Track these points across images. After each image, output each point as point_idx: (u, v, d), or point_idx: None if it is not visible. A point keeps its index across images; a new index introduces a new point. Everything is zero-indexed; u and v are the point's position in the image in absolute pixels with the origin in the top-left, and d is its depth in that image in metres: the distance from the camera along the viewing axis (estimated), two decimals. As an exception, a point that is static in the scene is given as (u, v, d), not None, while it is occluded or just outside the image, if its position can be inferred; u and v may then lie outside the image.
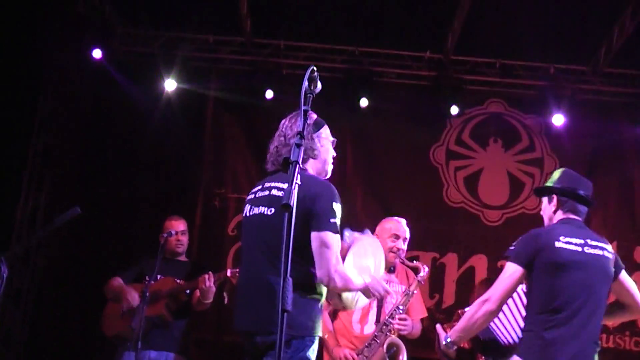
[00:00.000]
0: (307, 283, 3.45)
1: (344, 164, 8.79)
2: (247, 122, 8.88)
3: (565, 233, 4.13)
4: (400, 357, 4.97)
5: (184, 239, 6.03)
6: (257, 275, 3.54)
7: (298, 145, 2.84)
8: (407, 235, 5.22)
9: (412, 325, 5.15)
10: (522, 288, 4.23)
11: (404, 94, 8.86)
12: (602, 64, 8.61)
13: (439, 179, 8.88)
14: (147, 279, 5.53)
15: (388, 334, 5.05)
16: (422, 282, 5.08)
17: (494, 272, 8.52)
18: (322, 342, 5.01)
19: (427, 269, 5.05)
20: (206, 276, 5.49)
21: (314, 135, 3.82)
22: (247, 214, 3.77)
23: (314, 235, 3.44)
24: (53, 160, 8.26)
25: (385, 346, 4.93)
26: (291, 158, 2.81)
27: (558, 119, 8.63)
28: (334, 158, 3.96)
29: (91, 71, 8.32)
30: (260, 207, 3.70)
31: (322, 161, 3.88)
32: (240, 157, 8.81)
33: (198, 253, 8.04)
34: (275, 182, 3.73)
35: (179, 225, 5.98)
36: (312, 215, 3.45)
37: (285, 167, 2.81)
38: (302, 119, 2.92)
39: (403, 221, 5.33)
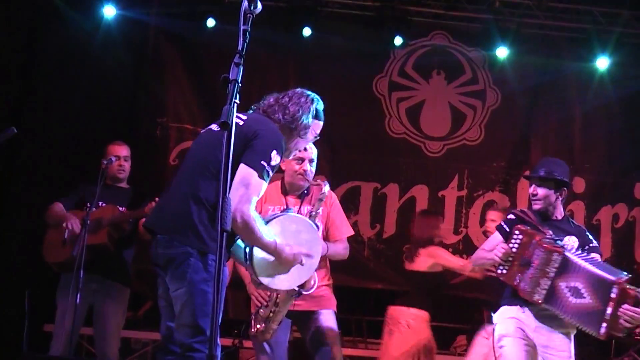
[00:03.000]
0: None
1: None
2: (188, 51, 8.76)
3: None
4: (312, 281, 4.60)
5: (127, 164, 5.94)
6: (176, 185, 3.63)
7: (237, 65, 2.82)
8: (314, 157, 4.89)
9: (326, 245, 4.78)
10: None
11: (348, 24, 8.81)
12: (547, -1, 8.66)
13: (381, 110, 8.90)
14: (88, 205, 5.48)
15: None
16: (324, 199, 4.72)
17: (435, 202, 8.71)
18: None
19: (327, 184, 4.72)
20: (153, 203, 5.40)
21: (310, 120, 3.79)
22: (200, 133, 3.81)
23: (241, 166, 3.46)
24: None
25: None
26: (230, 77, 2.79)
27: (501, 52, 8.71)
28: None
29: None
30: (212, 125, 3.75)
31: (297, 141, 3.83)
32: (181, 86, 8.71)
33: (139, 182, 7.97)
34: (240, 113, 3.71)
35: (121, 150, 5.88)
36: (249, 147, 3.49)
37: (224, 86, 2.78)
38: (242, 39, 2.89)
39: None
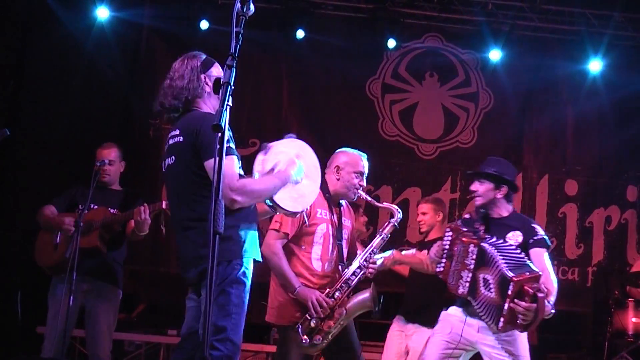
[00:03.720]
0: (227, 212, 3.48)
1: (279, 96, 8.78)
2: (181, 53, 8.67)
3: None
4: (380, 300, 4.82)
5: (111, 168, 5.84)
6: (176, 223, 3.73)
7: (229, 67, 2.84)
8: (367, 171, 5.00)
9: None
10: None
11: (342, 26, 8.83)
12: (540, 1, 8.67)
13: (374, 112, 8.93)
14: (80, 207, 5.47)
15: (361, 277, 4.86)
16: (397, 227, 4.91)
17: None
18: (284, 285, 4.77)
19: (400, 212, 4.89)
20: (141, 208, 5.40)
21: (202, 75, 3.78)
22: (163, 168, 3.83)
23: (206, 165, 3.51)
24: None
25: (374, 293, 4.79)
26: (222, 79, 2.80)
27: (495, 55, 8.73)
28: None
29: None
30: (167, 159, 3.75)
31: (215, 97, 3.75)
32: (174, 88, 8.67)
33: (132, 183, 7.96)
34: (173, 130, 3.75)
35: (108, 154, 5.83)
36: (199, 147, 3.53)
37: (216, 89, 2.78)
38: (234, 41, 2.89)
39: (365, 156, 5.07)
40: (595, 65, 8.72)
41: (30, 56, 8.39)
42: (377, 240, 4.95)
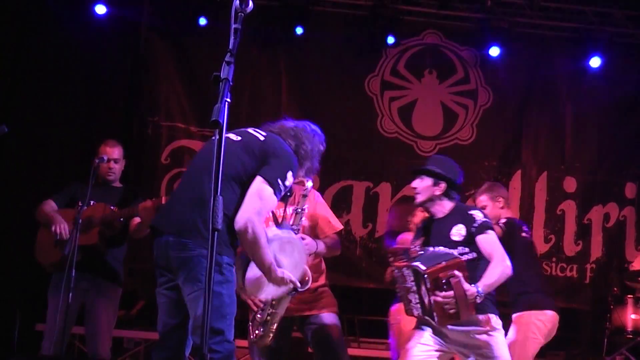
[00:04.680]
0: (234, 214, 3.51)
1: (278, 94, 8.77)
2: (180, 50, 8.74)
3: None
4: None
5: (117, 166, 5.85)
6: (183, 189, 3.70)
7: (228, 63, 2.83)
8: None
9: (315, 243, 4.73)
10: None
11: (341, 23, 8.83)
12: (539, -2, 8.69)
13: (373, 109, 8.91)
14: (80, 204, 5.46)
15: None
16: (307, 195, 4.54)
17: (427, 202, 8.69)
18: None
19: (309, 180, 4.53)
20: (149, 202, 5.34)
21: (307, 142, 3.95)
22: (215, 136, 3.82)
23: (257, 178, 3.53)
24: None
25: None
26: (221, 75, 2.79)
27: (494, 51, 8.72)
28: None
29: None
30: (231, 134, 3.77)
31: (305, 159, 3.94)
32: (173, 84, 8.70)
33: (131, 181, 7.96)
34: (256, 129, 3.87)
35: (112, 152, 5.81)
36: (267, 164, 3.58)
37: (215, 84, 2.78)
38: (233, 37, 2.89)
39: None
40: (594, 62, 8.70)
41: (28, 53, 8.37)
42: (295, 217, 4.60)
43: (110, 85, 8.47)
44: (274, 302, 4.46)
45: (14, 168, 8.04)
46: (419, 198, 4.70)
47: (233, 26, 2.93)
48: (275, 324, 4.50)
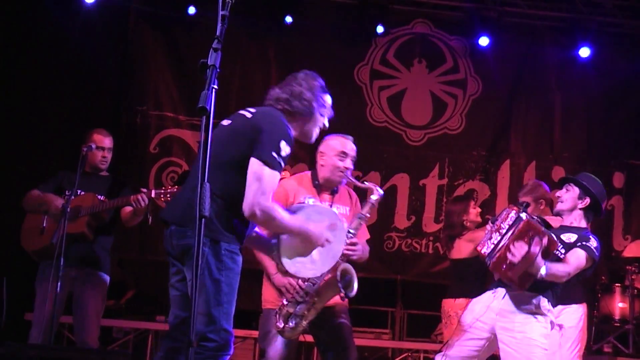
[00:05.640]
0: (236, 200, 3.50)
1: (267, 82, 8.72)
2: (169, 38, 8.71)
3: None
4: (354, 285, 4.57)
5: (110, 156, 5.83)
6: (193, 177, 3.65)
7: (215, 50, 2.83)
8: (355, 154, 4.87)
9: (362, 249, 4.77)
10: None
11: (330, 12, 8.82)
12: (528, -13, 8.70)
13: (362, 99, 8.92)
14: (68, 193, 5.44)
15: (341, 259, 4.61)
16: (375, 205, 4.70)
17: (416, 191, 8.73)
18: (263, 270, 4.78)
19: (381, 191, 4.71)
20: (139, 196, 5.34)
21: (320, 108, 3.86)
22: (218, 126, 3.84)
23: (251, 160, 3.50)
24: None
25: (339, 273, 4.50)
26: (208, 62, 2.79)
27: (483, 41, 8.73)
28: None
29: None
30: (224, 120, 3.78)
31: (307, 124, 3.87)
32: (162, 73, 8.67)
33: (119, 170, 7.93)
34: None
35: (104, 141, 5.77)
36: (258, 142, 3.52)
37: (202, 71, 2.78)
38: (220, 24, 2.88)
39: (350, 138, 4.96)
40: (583, 52, 8.72)
41: (15, 41, 8.31)
42: (354, 220, 4.75)
43: (98, 74, 8.40)
44: (315, 300, 4.50)
45: (0, 156, 8.00)
46: (561, 206, 4.76)
47: (220, 13, 2.93)
48: (309, 320, 4.54)
